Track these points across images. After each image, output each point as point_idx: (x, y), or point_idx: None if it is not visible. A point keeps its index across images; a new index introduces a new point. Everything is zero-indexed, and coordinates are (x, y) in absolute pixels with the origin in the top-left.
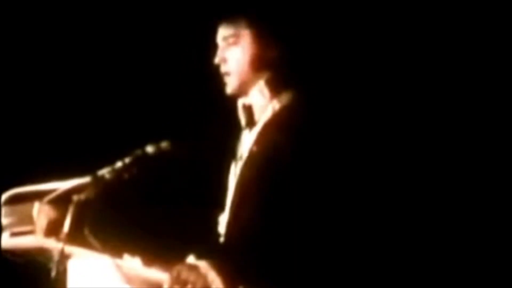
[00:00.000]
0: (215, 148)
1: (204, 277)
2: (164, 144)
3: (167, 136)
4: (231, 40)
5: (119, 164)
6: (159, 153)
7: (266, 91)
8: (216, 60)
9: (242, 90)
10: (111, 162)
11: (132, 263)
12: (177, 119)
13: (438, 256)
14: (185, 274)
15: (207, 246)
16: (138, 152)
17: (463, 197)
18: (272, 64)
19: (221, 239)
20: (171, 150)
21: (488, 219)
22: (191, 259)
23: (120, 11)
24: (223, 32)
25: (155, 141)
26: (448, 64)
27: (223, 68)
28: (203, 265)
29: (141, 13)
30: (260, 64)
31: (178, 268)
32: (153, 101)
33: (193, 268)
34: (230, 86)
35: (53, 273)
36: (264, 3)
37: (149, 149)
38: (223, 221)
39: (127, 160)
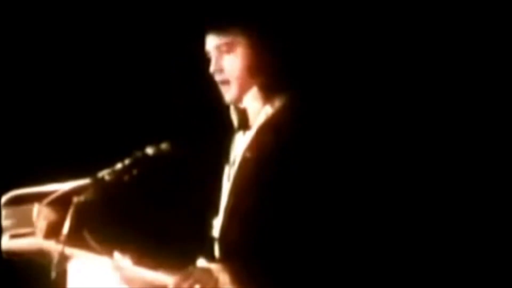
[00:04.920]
0: (213, 149)
1: (215, 279)
2: (164, 146)
3: (167, 137)
4: (224, 48)
5: (119, 165)
6: (159, 154)
7: (259, 97)
8: (212, 69)
9: (240, 97)
10: (111, 163)
11: (130, 265)
12: (177, 121)
13: (438, 256)
14: (197, 274)
15: (205, 249)
16: (138, 153)
17: (462, 197)
18: (266, 70)
19: (216, 244)
20: (171, 151)
21: (488, 219)
22: (202, 262)
23: (121, 13)
24: (214, 41)
25: (155, 142)
26: (442, 65)
27: (220, 77)
28: (215, 267)
29: (141, 15)
30: (256, 70)
31: (190, 268)
32: (153, 103)
33: (206, 270)
34: (230, 94)
35: (53, 275)
36: (256, 9)
37: (149, 150)
38: (217, 225)
39: (127, 161)
